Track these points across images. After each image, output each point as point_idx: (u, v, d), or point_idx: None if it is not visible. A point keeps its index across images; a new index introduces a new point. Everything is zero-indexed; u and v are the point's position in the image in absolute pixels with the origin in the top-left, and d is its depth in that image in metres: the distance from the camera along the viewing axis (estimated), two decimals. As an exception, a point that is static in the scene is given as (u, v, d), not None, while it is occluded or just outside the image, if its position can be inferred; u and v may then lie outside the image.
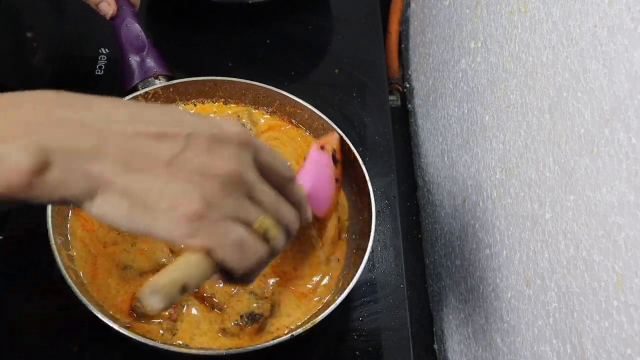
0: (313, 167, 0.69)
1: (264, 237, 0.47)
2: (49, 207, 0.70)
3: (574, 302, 0.55)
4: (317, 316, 0.67)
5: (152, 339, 0.66)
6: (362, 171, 0.78)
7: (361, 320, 0.79)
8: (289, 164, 0.52)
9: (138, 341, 0.65)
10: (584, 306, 0.53)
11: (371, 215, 0.75)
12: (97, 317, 0.65)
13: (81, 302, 0.65)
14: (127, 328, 0.65)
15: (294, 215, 0.51)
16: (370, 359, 0.77)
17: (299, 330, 0.66)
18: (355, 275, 0.70)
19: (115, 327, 0.64)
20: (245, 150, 0.47)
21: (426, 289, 0.93)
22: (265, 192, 0.48)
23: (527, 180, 0.65)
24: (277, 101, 0.84)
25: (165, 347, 0.65)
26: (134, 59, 0.82)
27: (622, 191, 0.48)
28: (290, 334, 0.66)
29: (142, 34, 0.83)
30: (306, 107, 0.83)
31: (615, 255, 0.49)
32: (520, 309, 0.65)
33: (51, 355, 0.72)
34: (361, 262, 0.71)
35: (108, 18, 0.83)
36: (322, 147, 0.71)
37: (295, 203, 0.52)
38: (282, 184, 0.51)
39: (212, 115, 0.49)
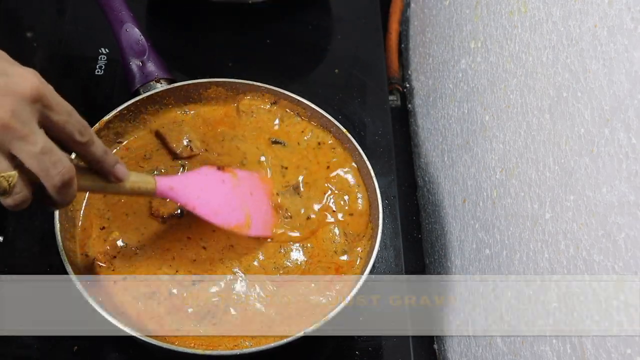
0: (198, 177, 0.73)
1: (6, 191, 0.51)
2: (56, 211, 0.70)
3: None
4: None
5: (154, 340, 0.66)
6: (369, 171, 0.78)
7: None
8: (82, 128, 0.56)
9: (138, 341, 0.65)
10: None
11: (378, 214, 0.75)
12: (99, 316, 0.65)
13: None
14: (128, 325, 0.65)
15: (63, 170, 0.53)
16: (370, 359, 0.77)
17: (311, 329, 0.66)
18: (364, 272, 0.71)
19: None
20: (28, 106, 0.50)
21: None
22: (27, 150, 0.50)
23: (527, 180, 0.65)
24: (278, 99, 0.84)
25: (167, 346, 0.65)
26: (134, 64, 0.83)
27: (622, 191, 0.48)
28: (302, 332, 0.66)
29: (142, 38, 0.83)
30: (308, 105, 0.83)
31: (615, 255, 0.49)
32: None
33: (51, 355, 0.72)
34: (369, 261, 0.72)
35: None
36: (222, 168, 0.75)
37: (94, 162, 0.59)
38: (73, 145, 0.56)
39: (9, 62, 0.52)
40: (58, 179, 0.53)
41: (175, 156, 0.80)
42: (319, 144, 0.84)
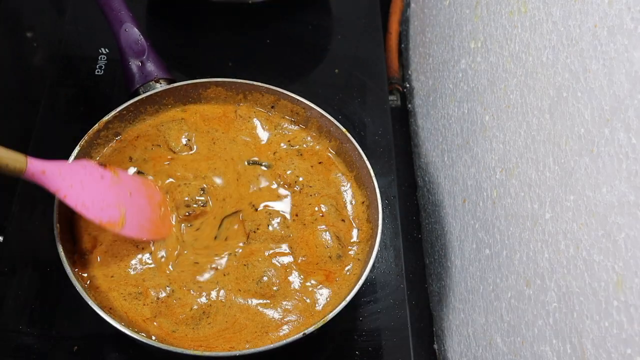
0: (76, 167, 0.72)
1: None
2: (55, 210, 0.70)
3: (574, 302, 0.55)
4: (327, 314, 0.68)
5: (154, 339, 0.66)
6: (369, 171, 0.78)
7: (361, 320, 0.79)
8: None
9: (139, 341, 0.65)
10: (584, 306, 0.53)
11: (378, 214, 0.75)
12: (99, 316, 0.65)
13: (85, 302, 0.65)
14: (124, 324, 0.65)
15: None
16: (370, 359, 0.77)
17: (311, 329, 0.67)
18: (363, 272, 0.71)
19: (118, 326, 0.64)
20: None
21: (426, 289, 0.93)
22: None
23: (527, 180, 0.65)
24: (278, 99, 0.84)
25: (166, 347, 0.65)
26: (134, 64, 0.82)
27: (622, 191, 0.48)
28: (302, 333, 0.66)
29: (142, 38, 0.83)
30: (309, 105, 0.83)
31: (615, 255, 0.49)
32: (520, 309, 0.65)
33: (51, 355, 0.73)
34: (369, 261, 0.72)
35: None
36: (104, 165, 0.74)
37: None
38: None
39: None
40: None
41: (172, 153, 0.80)
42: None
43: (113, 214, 0.71)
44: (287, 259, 0.74)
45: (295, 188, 0.79)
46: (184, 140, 0.81)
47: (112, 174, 0.73)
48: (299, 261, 0.74)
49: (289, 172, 0.80)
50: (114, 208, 0.71)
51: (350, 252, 0.76)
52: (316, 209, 0.78)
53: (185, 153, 0.81)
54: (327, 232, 0.76)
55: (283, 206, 0.78)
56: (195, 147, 0.81)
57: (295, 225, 0.77)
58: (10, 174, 0.64)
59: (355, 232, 0.78)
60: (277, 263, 0.74)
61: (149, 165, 0.79)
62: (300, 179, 0.80)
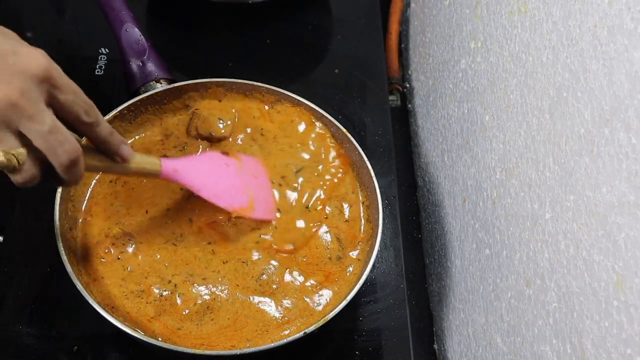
0: (202, 160, 0.76)
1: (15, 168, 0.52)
2: (56, 210, 0.70)
3: (574, 302, 0.55)
4: (327, 314, 0.68)
5: (154, 340, 0.66)
6: (369, 171, 0.78)
7: (361, 320, 0.79)
8: (89, 109, 0.57)
9: (139, 341, 0.65)
10: (584, 306, 0.53)
11: (378, 214, 0.75)
12: (99, 316, 0.65)
13: (86, 301, 0.65)
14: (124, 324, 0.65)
15: (70, 149, 0.55)
16: (370, 359, 0.77)
17: (311, 328, 0.67)
18: (363, 272, 0.71)
19: (118, 324, 0.64)
20: (36, 85, 0.51)
21: (426, 289, 0.93)
22: (35, 129, 0.51)
23: (527, 180, 0.65)
24: (278, 100, 0.85)
25: (167, 346, 0.65)
26: (134, 63, 0.83)
27: (622, 191, 0.48)
28: (302, 332, 0.66)
29: (142, 38, 0.83)
30: (309, 105, 0.83)
31: (615, 255, 0.49)
32: (520, 309, 0.65)
33: (51, 355, 0.73)
34: (369, 261, 0.72)
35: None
36: (226, 153, 0.78)
37: (100, 142, 0.61)
38: (79, 125, 0.57)
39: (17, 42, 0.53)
40: (65, 157, 0.54)
41: (207, 139, 0.82)
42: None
43: (243, 199, 0.74)
44: (287, 258, 0.75)
45: (295, 186, 0.80)
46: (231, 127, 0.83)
47: (235, 160, 0.76)
48: (299, 261, 0.74)
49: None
50: (243, 194, 0.74)
51: (350, 254, 0.76)
52: (319, 208, 0.78)
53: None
54: (328, 234, 0.76)
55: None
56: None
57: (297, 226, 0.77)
58: (148, 176, 0.70)
59: (356, 233, 0.78)
60: (276, 262, 0.74)
61: None
62: (300, 179, 0.80)
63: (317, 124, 0.84)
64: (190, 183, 0.71)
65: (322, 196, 0.79)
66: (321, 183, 0.80)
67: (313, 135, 0.83)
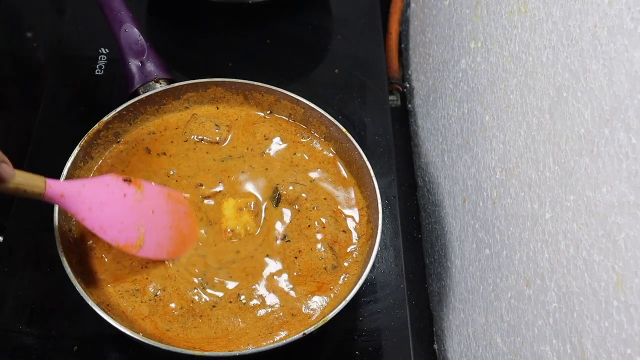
0: (97, 185, 0.69)
1: None
2: (56, 210, 0.70)
3: (574, 302, 0.55)
4: (327, 314, 0.68)
5: (154, 340, 0.66)
6: (369, 171, 0.78)
7: (361, 320, 0.79)
8: None
9: (139, 341, 0.65)
10: (584, 306, 0.53)
11: (378, 214, 0.75)
12: (99, 316, 0.65)
13: (85, 302, 0.65)
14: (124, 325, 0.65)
15: None
16: (370, 359, 0.77)
17: (311, 329, 0.66)
18: (363, 272, 0.71)
19: (118, 326, 0.64)
20: None
21: (426, 289, 0.93)
22: None
23: (527, 180, 0.65)
24: (278, 100, 0.85)
25: (166, 347, 0.65)
26: (134, 64, 0.82)
27: (622, 191, 0.48)
28: (302, 333, 0.66)
29: (141, 38, 0.83)
30: (309, 105, 0.83)
31: (615, 255, 0.49)
32: (520, 309, 0.65)
33: (51, 355, 0.73)
34: (369, 260, 0.72)
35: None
36: (128, 180, 0.71)
37: None
38: None
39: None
40: None
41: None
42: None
43: (131, 235, 0.70)
44: (282, 266, 0.74)
45: (293, 187, 0.80)
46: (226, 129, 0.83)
47: (135, 190, 0.71)
48: (294, 275, 0.74)
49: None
50: (133, 229, 0.70)
51: (345, 263, 0.76)
52: (314, 208, 0.78)
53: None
54: (321, 244, 0.75)
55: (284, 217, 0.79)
56: None
57: (294, 233, 0.77)
58: (29, 197, 0.63)
59: (354, 236, 0.78)
60: (273, 269, 0.74)
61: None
62: (300, 179, 0.80)
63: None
64: (75, 210, 0.66)
65: (317, 208, 0.79)
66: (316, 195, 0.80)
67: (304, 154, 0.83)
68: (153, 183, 0.75)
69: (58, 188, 0.65)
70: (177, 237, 0.73)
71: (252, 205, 0.77)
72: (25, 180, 0.62)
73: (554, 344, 0.58)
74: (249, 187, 0.79)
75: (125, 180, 0.71)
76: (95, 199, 0.68)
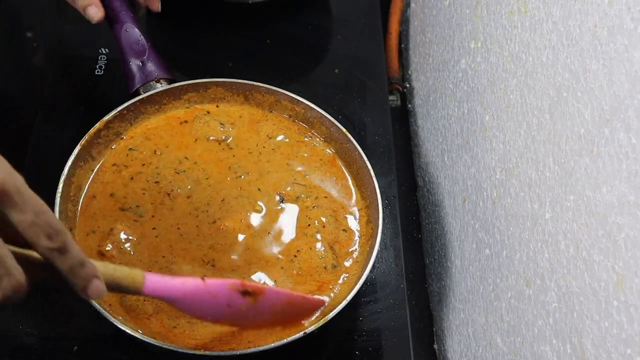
0: (203, 295, 0.62)
1: None
2: (56, 210, 0.70)
3: (574, 302, 0.55)
4: (327, 314, 0.68)
5: (154, 339, 0.66)
6: (369, 171, 0.78)
7: (361, 320, 0.79)
8: (53, 232, 0.47)
9: (139, 341, 0.65)
10: (584, 306, 0.53)
11: (378, 214, 0.75)
12: (99, 316, 0.65)
13: (86, 301, 0.65)
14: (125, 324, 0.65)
15: (7, 286, 0.46)
16: (370, 359, 0.77)
17: (311, 328, 0.66)
18: (363, 272, 0.71)
19: (119, 325, 0.64)
20: None
21: (426, 289, 0.93)
22: None
23: (527, 180, 0.65)
24: (278, 100, 0.85)
25: (168, 346, 0.65)
26: (134, 64, 0.82)
27: (622, 191, 0.48)
28: (302, 332, 0.66)
29: (142, 38, 0.83)
30: (308, 105, 0.83)
31: (615, 255, 0.49)
32: (520, 309, 0.65)
33: (51, 355, 0.72)
34: (369, 260, 0.72)
35: (94, 22, 0.80)
36: (245, 291, 0.63)
37: (64, 272, 0.49)
38: (39, 250, 0.48)
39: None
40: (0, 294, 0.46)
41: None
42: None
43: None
44: (282, 265, 0.74)
45: (295, 188, 0.80)
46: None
47: (247, 302, 0.63)
48: (293, 273, 0.74)
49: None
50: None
51: (345, 263, 0.76)
52: (314, 207, 0.78)
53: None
54: (321, 243, 0.75)
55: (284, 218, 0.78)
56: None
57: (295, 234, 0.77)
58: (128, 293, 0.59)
59: (354, 235, 0.78)
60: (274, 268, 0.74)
61: None
62: (300, 181, 0.80)
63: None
64: (177, 307, 0.62)
65: (317, 207, 0.78)
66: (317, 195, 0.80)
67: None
68: (282, 290, 0.69)
69: (162, 290, 0.59)
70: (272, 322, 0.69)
71: (254, 204, 0.77)
72: (119, 282, 0.56)
73: (554, 344, 0.58)
74: (251, 186, 0.79)
75: (244, 293, 0.63)
76: (193, 304, 0.62)
